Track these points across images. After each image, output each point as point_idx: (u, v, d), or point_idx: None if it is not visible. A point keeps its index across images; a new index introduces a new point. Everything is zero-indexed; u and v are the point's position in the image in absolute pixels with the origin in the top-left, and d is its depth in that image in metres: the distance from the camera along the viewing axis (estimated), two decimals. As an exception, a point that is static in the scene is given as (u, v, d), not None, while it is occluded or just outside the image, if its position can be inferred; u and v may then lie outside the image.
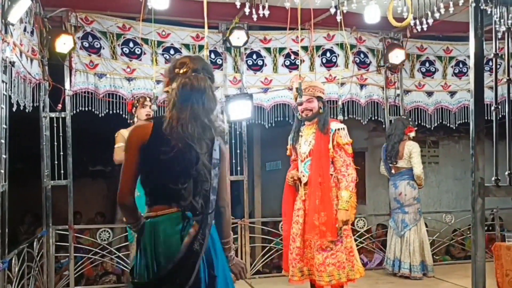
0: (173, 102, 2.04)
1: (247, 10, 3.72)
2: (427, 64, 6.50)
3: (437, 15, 3.70)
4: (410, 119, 5.88)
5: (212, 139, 2.12)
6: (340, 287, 3.84)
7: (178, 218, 2.03)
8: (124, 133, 4.55)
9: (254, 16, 3.80)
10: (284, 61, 5.91)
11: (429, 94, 6.52)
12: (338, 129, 3.83)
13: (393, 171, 5.66)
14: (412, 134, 5.65)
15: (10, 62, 3.53)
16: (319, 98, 3.92)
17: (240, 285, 5.39)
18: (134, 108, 4.59)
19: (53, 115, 5.17)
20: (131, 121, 4.71)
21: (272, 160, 10.12)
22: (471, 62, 2.17)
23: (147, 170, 2.05)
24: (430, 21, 3.88)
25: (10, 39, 3.48)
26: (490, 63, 5.74)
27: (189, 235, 1.99)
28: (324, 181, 3.76)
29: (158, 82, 5.42)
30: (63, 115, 5.21)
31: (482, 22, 2.10)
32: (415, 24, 4.02)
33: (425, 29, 4.00)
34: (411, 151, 5.48)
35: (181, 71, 2.11)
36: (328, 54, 6.02)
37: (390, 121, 6.29)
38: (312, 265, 3.82)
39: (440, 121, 6.50)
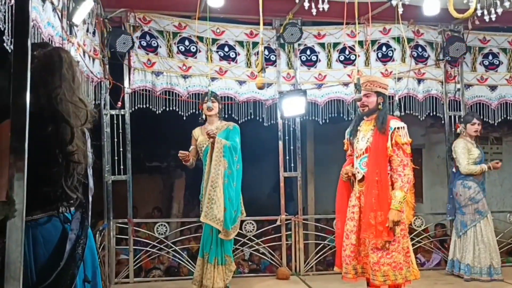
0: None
1: (306, 4, 3.68)
2: (490, 57, 6.20)
3: (507, 3, 3.50)
4: (465, 115, 5.63)
5: (83, 133, 1.92)
6: (396, 287, 3.75)
7: (55, 222, 1.86)
8: (195, 131, 4.79)
9: (314, 11, 3.76)
10: (339, 56, 5.83)
11: (493, 88, 6.22)
12: (398, 128, 3.71)
13: (453, 169, 5.50)
14: (459, 131, 5.42)
15: (74, 62, 3.68)
16: (378, 94, 3.81)
17: (294, 282, 5.38)
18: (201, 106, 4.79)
19: (113, 112, 5.36)
20: (200, 118, 4.83)
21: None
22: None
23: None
24: (500, 10, 3.67)
25: (75, 40, 3.64)
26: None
27: (70, 241, 1.84)
28: (382, 179, 3.67)
29: (213, 79, 5.52)
30: (122, 113, 5.39)
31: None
32: (482, 14, 3.82)
33: (493, 19, 3.79)
34: (454, 148, 5.35)
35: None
36: (384, 49, 5.88)
37: (450, 116, 6.07)
38: (366, 263, 3.75)
39: (504, 116, 6.19)
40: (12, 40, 1.59)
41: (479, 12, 3.91)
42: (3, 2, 2.09)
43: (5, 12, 2.08)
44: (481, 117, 6.10)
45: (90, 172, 1.94)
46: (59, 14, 3.34)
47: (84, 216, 1.92)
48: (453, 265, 5.38)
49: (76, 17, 3.60)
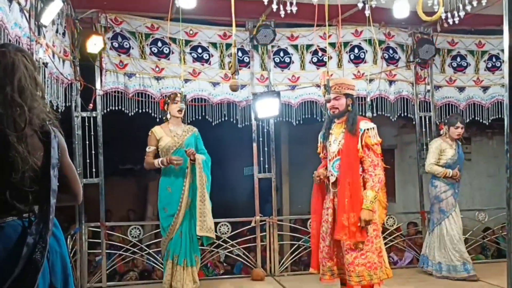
0: None
1: (274, 6, 3.70)
2: (458, 59, 6.35)
3: (468, 7, 3.60)
4: (448, 117, 5.59)
5: (46, 134, 1.86)
6: (369, 286, 3.80)
7: (16, 227, 1.81)
8: (156, 131, 4.65)
9: (282, 13, 3.78)
10: (312, 58, 5.88)
11: (461, 89, 6.37)
12: (368, 129, 3.75)
13: None
14: (442, 132, 5.44)
15: (43, 63, 3.62)
16: (347, 95, 3.86)
17: (269, 283, 5.40)
18: (166, 105, 4.69)
19: (84, 114, 5.28)
20: (163, 118, 4.78)
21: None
22: (505, 56, 2.10)
23: None
24: (462, 13, 3.78)
25: (43, 41, 3.57)
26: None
27: (28, 245, 1.77)
28: (354, 181, 3.71)
29: (186, 80, 5.50)
30: (94, 115, 5.31)
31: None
32: (446, 17, 3.92)
33: (456, 22, 3.90)
34: (429, 147, 5.44)
35: None
36: (356, 50, 5.95)
37: (420, 117, 6.19)
38: (342, 264, 3.79)
39: (473, 117, 6.35)
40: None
41: (443, 15, 4.00)
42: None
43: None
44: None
45: (53, 173, 1.86)
46: (27, 14, 3.28)
47: (44, 220, 1.84)
48: (423, 261, 5.49)
49: (45, 18, 3.53)
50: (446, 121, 5.48)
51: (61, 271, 1.95)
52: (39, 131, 1.85)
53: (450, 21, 4.00)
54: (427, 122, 6.20)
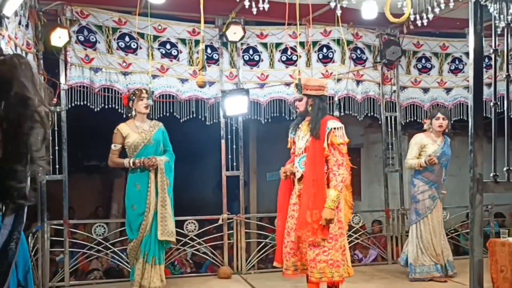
0: None
1: (247, 3, 3.69)
2: (423, 61, 6.50)
3: (437, 10, 3.68)
4: (436, 109, 5.33)
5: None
6: (333, 284, 3.84)
7: None
8: (123, 128, 4.56)
9: (254, 10, 3.78)
10: (281, 56, 5.89)
11: (425, 90, 6.52)
12: (335, 128, 3.77)
13: None
14: (426, 126, 5.21)
15: (4, 56, 3.48)
16: (308, 96, 3.85)
17: (236, 281, 5.39)
18: (131, 101, 4.60)
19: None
20: (129, 115, 4.67)
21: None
22: (470, 58, 2.16)
23: None
24: (431, 16, 3.86)
25: (5, 32, 3.45)
26: (487, 60, 5.74)
27: (2, 235, 1.83)
28: (318, 179, 3.73)
29: (154, 76, 5.41)
30: (58, 110, 5.17)
31: (482, 18, 2.09)
32: (415, 19, 4.00)
33: (425, 24, 3.98)
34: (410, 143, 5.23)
35: None
36: (324, 50, 6.01)
37: (386, 117, 6.31)
38: (306, 259, 3.81)
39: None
40: None
41: (412, 17, 4.08)
42: None
43: None
44: (415, 118, 6.40)
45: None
46: (-12, 4, 3.16)
47: (19, 213, 1.85)
48: (403, 258, 5.35)
49: (7, 9, 3.41)
50: (429, 114, 5.33)
51: (22, 266, 1.92)
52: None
53: (418, 23, 4.07)
54: (393, 122, 6.32)
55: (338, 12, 3.92)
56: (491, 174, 2.03)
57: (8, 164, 1.73)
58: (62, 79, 5.14)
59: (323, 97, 3.92)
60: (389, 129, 6.29)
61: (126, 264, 5.44)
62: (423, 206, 5.11)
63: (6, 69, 1.80)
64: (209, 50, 5.63)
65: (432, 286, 4.95)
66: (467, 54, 6.47)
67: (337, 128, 3.78)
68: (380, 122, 6.35)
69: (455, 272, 5.15)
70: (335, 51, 6.01)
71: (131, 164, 4.48)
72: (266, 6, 3.75)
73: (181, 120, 5.64)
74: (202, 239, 5.77)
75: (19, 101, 1.79)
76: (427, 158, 5.01)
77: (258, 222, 6.22)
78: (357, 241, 6.25)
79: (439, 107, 5.70)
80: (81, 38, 5.22)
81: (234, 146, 5.73)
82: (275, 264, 4.12)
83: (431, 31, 6.31)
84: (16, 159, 1.76)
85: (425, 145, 5.11)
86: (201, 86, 4.18)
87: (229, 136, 5.73)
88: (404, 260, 5.32)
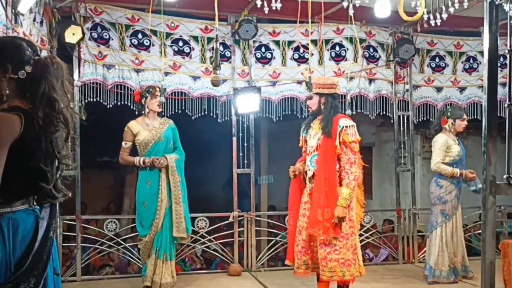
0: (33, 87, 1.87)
1: (259, 2, 3.69)
2: (437, 59, 6.44)
3: (451, 9, 3.65)
4: (451, 109, 5.21)
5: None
6: (344, 283, 3.84)
7: (29, 212, 1.92)
8: (133, 126, 4.58)
9: (266, 9, 3.77)
10: (293, 54, 5.88)
11: (439, 89, 6.47)
12: (346, 127, 3.77)
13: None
14: (447, 126, 5.01)
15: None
16: (320, 95, 3.86)
17: (246, 278, 5.41)
18: (144, 98, 4.62)
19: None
20: (142, 112, 4.70)
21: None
22: (485, 58, 2.13)
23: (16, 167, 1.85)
24: (445, 16, 3.83)
25: (20, 29, 3.49)
26: (502, 59, 5.66)
27: (42, 227, 1.93)
28: (330, 177, 3.73)
29: (166, 74, 5.44)
30: (71, 106, 5.20)
31: (497, 17, 2.07)
32: (428, 18, 3.96)
33: (438, 24, 3.94)
34: (433, 143, 5.01)
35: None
36: (337, 48, 5.98)
37: (399, 116, 6.26)
38: (318, 258, 3.81)
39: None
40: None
41: (426, 17, 4.04)
42: None
43: None
44: (428, 117, 6.35)
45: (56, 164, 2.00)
46: (3, 2, 3.19)
47: (53, 206, 2.00)
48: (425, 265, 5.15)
49: (22, 6, 3.44)
50: (449, 114, 5.06)
51: (56, 257, 2.08)
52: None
53: (432, 22, 4.03)
54: (405, 121, 6.28)
55: (351, 11, 3.90)
56: (505, 176, 2.01)
57: (37, 164, 1.82)
58: (75, 75, 5.18)
59: (335, 96, 3.92)
60: (401, 128, 6.25)
61: (137, 260, 5.48)
62: (450, 207, 4.96)
63: (39, 68, 1.87)
64: (221, 48, 5.62)
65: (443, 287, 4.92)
66: (481, 53, 6.42)
67: (349, 126, 3.77)
68: (392, 121, 6.31)
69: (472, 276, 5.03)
70: (347, 49, 5.98)
71: (141, 163, 4.51)
72: (279, 5, 3.74)
73: (193, 118, 5.65)
74: (213, 236, 5.79)
75: (46, 102, 1.86)
76: (460, 173, 4.90)
77: (269, 220, 6.21)
78: (368, 240, 6.22)
79: (459, 107, 5.63)
80: (95, 35, 5.25)
81: (246, 144, 5.74)
82: (286, 262, 4.13)
83: (445, 30, 6.24)
84: (43, 159, 1.84)
85: (450, 145, 4.95)
86: (215, 85, 4.19)
87: (241, 134, 5.74)
88: (425, 267, 5.11)
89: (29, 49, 1.91)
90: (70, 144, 2.01)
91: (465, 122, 5.08)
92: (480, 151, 2.14)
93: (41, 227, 1.91)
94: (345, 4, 3.86)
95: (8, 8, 3.28)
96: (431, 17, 3.91)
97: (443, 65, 6.46)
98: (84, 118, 2.19)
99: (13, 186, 1.81)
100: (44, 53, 4.60)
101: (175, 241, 4.73)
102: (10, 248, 1.83)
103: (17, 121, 1.79)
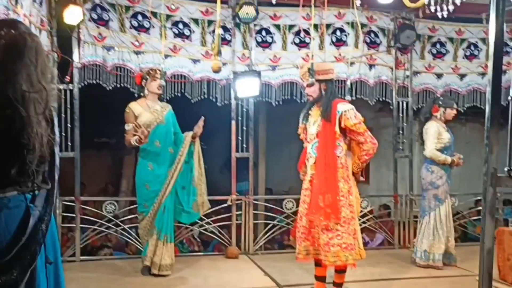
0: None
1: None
2: (438, 46, 6.42)
3: (458, 1, 3.62)
4: (442, 98, 5.32)
5: (50, 113, 1.95)
6: (341, 268, 3.89)
7: (20, 201, 1.87)
8: (134, 107, 4.56)
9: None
10: (294, 38, 5.84)
11: (439, 76, 6.46)
12: (345, 111, 3.78)
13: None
14: (438, 114, 5.13)
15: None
16: (320, 81, 3.86)
17: (243, 261, 5.47)
18: (144, 80, 4.60)
19: (61, 87, 5.14)
20: (141, 94, 4.68)
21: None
22: (490, 48, 2.12)
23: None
24: (451, 7, 3.80)
25: (21, 11, 3.45)
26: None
27: (34, 217, 1.86)
28: (330, 163, 3.76)
29: (166, 56, 5.40)
30: (70, 87, 5.19)
31: (504, 5, 2.05)
32: (429, 3, 3.93)
33: (445, 15, 3.92)
34: (426, 131, 5.12)
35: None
36: (338, 33, 5.95)
37: (398, 102, 6.27)
38: (318, 244, 3.85)
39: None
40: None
41: (432, 8, 4.01)
42: None
43: None
44: (427, 103, 6.33)
45: (56, 150, 1.96)
46: (4, -18, 3.15)
47: (49, 194, 1.93)
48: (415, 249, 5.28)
49: (22, -14, 3.40)
50: (440, 102, 5.19)
51: (51, 246, 2.02)
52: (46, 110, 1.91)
53: (433, 8, 4.01)
54: (404, 107, 6.29)
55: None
56: (506, 169, 2.03)
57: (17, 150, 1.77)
58: (75, 57, 5.15)
59: (333, 81, 3.94)
60: (400, 115, 6.26)
61: (135, 241, 5.52)
62: (443, 191, 5.11)
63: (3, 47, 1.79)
64: (221, 31, 5.58)
65: (438, 272, 4.99)
66: (483, 40, 6.40)
67: (348, 111, 3.79)
68: (391, 107, 6.31)
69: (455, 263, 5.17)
70: (348, 34, 5.95)
71: (135, 142, 4.37)
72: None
73: (192, 101, 5.65)
74: (211, 219, 5.83)
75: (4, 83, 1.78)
76: (455, 157, 5.10)
77: (266, 204, 6.25)
78: (364, 225, 6.27)
79: (450, 96, 5.72)
80: (94, 16, 5.20)
81: (245, 128, 5.74)
82: (291, 238, 4.23)
83: (446, 16, 6.19)
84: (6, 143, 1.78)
85: (441, 133, 5.10)
86: (216, 71, 4.17)
87: (240, 118, 5.74)
88: (414, 251, 5.25)
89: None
90: (43, 124, 1.87)
91: (455, 111, 5.22)
92: (478, 137, 2.15)
93: (32, 216, 1.85)
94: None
95: (9, -11, 3.24)
96: (438, 8, 3.87)
97: (444, 51, 6.44)
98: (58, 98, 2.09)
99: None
100: (44, 34, 4.56)
101: (185, 223, 4.90)
102: None
103: None
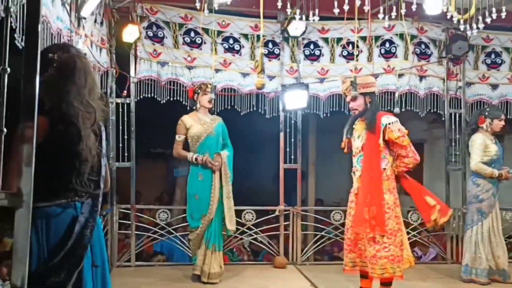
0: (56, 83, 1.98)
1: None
2: (492, 56, 6.25)
3: (503, 14, 3.57)
4: (489, 109, 5.19)
5: (98, 127, 2.12)
6: (387, 281, 3.87)
7: (71, 209, 2.03)
8: (186, 120, 4.81)
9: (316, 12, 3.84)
10: (342, 51, 5.89)
11: (494, 86, 6.27)
12: (389, 124, 3.80)
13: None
14: (484, 125, 4.99)
15: (82, 53, 3.78)
16: (364, 94, 3.90)
17: (290, 271, 5.52)
18: (196, 94, 4.83)
19: (119, 101, 5.47)
20: (193, 108, 4.90)
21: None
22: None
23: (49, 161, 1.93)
24: (502, 14, 3.74)
25: (82, 32, 3.74)
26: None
27: (79, 222, 2.00)
28: (374, 176, 3.79)
29: (217, 70, 5.62)
30: (128, 101, 5.50)
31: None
32: (477, 15, 3.88)
33: (488, 22, 3.86)
34: (471, 143, 4.99)
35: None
36: (387, 45, 5.93)
37: (450, 114, 6.14)
38: (365, 256, 3.86)
39: (506, 115, 6.21)
40: (23, 37, 1.71)
41: (481, 19, 3.96)
42: (15, 2, 2.20)
43: (17, 11, 2.19)
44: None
45: (103, 162, 2.13)
46: (68, 8, 3.44)
47: (95, 202, 2.10)
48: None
49: (85, 10, 3.70)
50: (487, 113, 5.05)
51: (99, 251, 2.18)
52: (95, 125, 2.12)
53: (488, 20, 3.94)
54: (457, 118, 6.15)
55: (403, 11, 3.87)
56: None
57: (63, 160, 1.96)
58: (132, 72, 5.47)
59: (375, 93, 4.00)
60: (453, 126, 6.13)
61: (187, 249, 5.72)
62: (488, 205, 4.97)
63: (58, 69, 2.01)
64: (270, 45, 5.74)
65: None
66: (540, 49, 6.16)
67: (392, 123, 3.81)
68: (443, 118, 6.19)
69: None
70: (398, 45, 5.92)
71: (193, 160, 4.72)
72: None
73: (242, 113, 5.81)
74: (259, 229, 5.94)
75: (58, 101, 1.94)
76: (503, 171, 4.96)
77: (316, 216, 6.28)
78: (414, 238, 6.16)
79: (497, 107, 5.58)
80: (150, 33, 5.50)
81: (293, 140, 5.83)
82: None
83: (502, 25, 6.03)
84: (65, 155, 1.98)
85: (487, 145, 4.96)
86: (260, 88, 4.32)
87: (288, 130, 5.84)
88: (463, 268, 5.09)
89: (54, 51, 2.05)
90: (93, 138, 2.07)
91: (503, 122, 5.06)
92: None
93: (78, 222, 2.01)
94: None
95: (72, 13, 3.54)
96: (479, 19, 3.82)
97: (499, 61, 6.26)
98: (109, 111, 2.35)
99: (46, 182, 1.88)
100: (104, 52, 4.89)
101: (227, 234, 4.94)
102: (44, 241, 1.94)
103: (43, 122, 1.88)
